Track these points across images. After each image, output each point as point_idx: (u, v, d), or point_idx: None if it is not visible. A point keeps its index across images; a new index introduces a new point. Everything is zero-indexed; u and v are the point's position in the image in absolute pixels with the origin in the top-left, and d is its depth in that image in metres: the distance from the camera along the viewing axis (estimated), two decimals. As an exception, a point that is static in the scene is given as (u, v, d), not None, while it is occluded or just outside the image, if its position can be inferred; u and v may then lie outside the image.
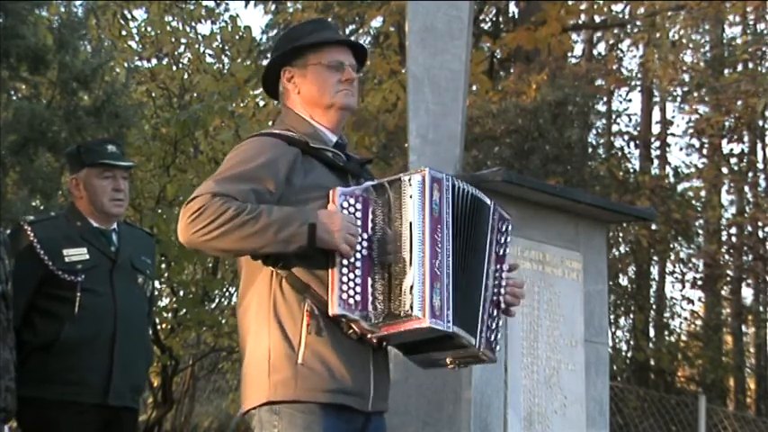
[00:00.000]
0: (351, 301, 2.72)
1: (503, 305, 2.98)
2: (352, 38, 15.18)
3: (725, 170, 14.48)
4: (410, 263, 2.72)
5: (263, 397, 2.77)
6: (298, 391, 2.74)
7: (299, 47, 2.99)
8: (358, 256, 2.75)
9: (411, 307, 2.70)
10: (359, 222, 2.77)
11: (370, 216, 2.81)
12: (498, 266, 2.98)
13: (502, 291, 2.97)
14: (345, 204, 2.78)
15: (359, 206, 2.80)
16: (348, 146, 3.09)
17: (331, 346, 2.76)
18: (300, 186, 2.82)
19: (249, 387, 2.83)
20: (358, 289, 2.74)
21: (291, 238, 2.69)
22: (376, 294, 2.75)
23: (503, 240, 3.00)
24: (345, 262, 2.74)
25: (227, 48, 10.25)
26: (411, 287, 2.71)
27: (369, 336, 2.78)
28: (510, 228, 3.04)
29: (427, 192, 2.77)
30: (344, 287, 2.72)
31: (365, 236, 2.77)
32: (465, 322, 2.83)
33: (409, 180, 2.79)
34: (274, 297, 2.80)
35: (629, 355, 14.44)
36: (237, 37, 10.07)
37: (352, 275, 2.74)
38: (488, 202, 2.97)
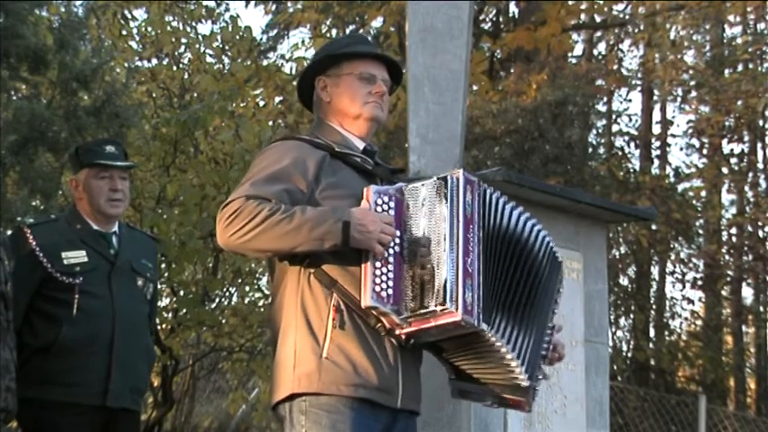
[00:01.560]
0: (384, 294, 2.75)
1: (548, 358, 3.05)
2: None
3: (725, 170, 14.49)
4: (442, 260, 2.75)
5: (288, 389, 2.81)
6: (321, 383, 2.77)
7: (335, 56, 3.06)
8: (391, 251, 2.78)
9: (444, 300, 2.72)
10: (392, 221, 2.80)
11: (403, 215, 2.84)
12: (552, 324, 3.04)
13: (551, 347, 3.04)
14: (379, 202, 2.82)
15: (392, 204, 2.83)
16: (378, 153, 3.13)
17: (356, 341, 2.79)
18: (327, 184, 2.86)
19: (277, 381, 2.86)
20: (391, 283, 2.76)
21: (325, 235, 2.73)
22: (407, 290, 2.77)
23: (558, 300, 3.07)
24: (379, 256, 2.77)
25: (227, 48, 10.24)
26: (444, 282, 2.73)
27: (397, 331, 2.79)
28: (562, 293, 3.12)
29: (461, 191, 2.80)
30: (378, 280, 2.75)
31: (398, 233, 2.80)
32: (519, 343, 2.87)
33: (444, 180, 2.82)
34: (302, 292, 2.84)
35: (630, 354, 14.43)
36: (238, 37, 10.07)
37: (385, 269, 2.77)
38: (560, 257, 3.06)
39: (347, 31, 14.95)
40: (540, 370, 2.99)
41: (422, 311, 2.75)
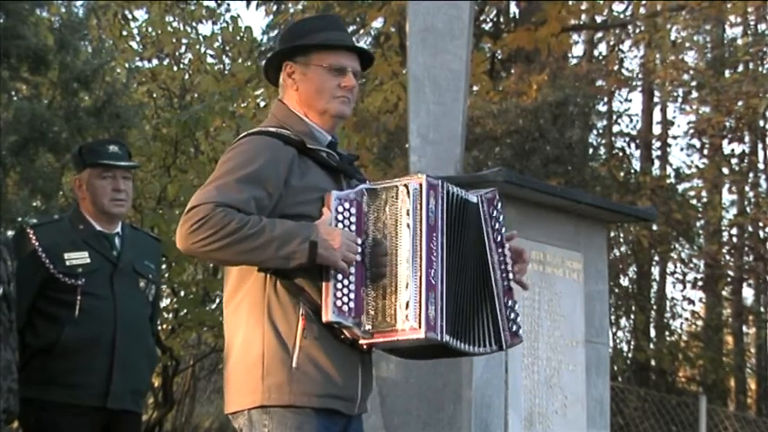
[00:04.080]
0: (345, 308, 2.72)
1: (513, 286, 2.99)
2: (353, 38, 15.18)
3: (726, 170, 14.48)
4: (405, 271, 2.72)
5: (257, 400, 2.75)
6: (292, 395, 2.73)
7: (305, 45, 2.95)
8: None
9: (407, 317, 2.69)
10: (353, 228, 2.77)
11: (364, 220, 2.80)
12: (500, 251, 2.98)
13: (510, 276, 2.98)
14: (340, 209, 2.77)
15: (353, 210, 2.79)
16: (339, 143, 3.08)
17: (324, 350, 2.76)
18: (297, 188, 2.80)
19: (239, 388, 2.80)
20: (352, 296, 2.73)
21: (292, 255, 2.68)
22: (369, 301, 2.75)
23: (497, 225, 2.99)
24: None
25: (228, 48, 10.26)
26: (407, 296, 2.70)
27: (360, 341, 2.78)
28: (500, 205, 3.03)
29: (424, 199, 2.76)
30: (339, 294, 2.72)
31: (359, 241, 2.76)
32: (468, 333, 2.84)
33: (406, 186, 2.78)
34: (269, 299, 2.78)
35: (630, 355, 14.44)
36: (238, 37, 10.09)
37: (346, 282, 2.73)
38: (474, 199, 2.96)
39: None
40: (508, 309, 2.96)
41: (385, 325, 2.72)
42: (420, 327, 2.68)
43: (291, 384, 2.73)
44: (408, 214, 2.75)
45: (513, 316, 2.96)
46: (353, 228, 2.77)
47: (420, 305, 2.69)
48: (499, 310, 2.92)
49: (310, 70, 2.94)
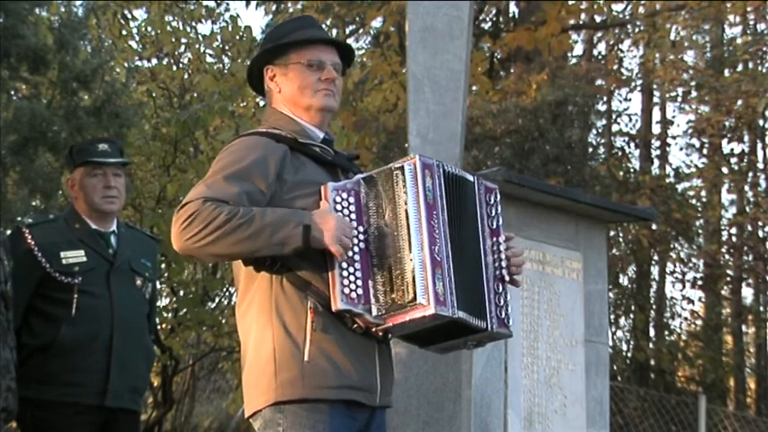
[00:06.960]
0: (353, 295, 2.73)
1: (507, 278, 2.97)
2: (352, 38, 15.18)
3: (725, 170, 14.48)
4: (409, 251, 2.72)
5: (271, 398, 2.75)
6: (305, 389, 2.72)
7: (281, 45, 2.98)
8: (356, 249, 2.75)
9: (415, 295, 2.70)
10: (353, 216, 2.78)
11: (364, 209, 2.81)
12: (494, 239, 2.97)
13: (503, 264, 2.96)
14: (338, 199, 2.78)
15: (351, 200, 2.80)
16: (336, 141, 3.08)
17: (336, 341, 2.75)
18: (292, 183, 2.81)
19: (254, 389, 2.80)
20: (359, 283, 2.74)
21: (286, 240, 2.68)
22: (377, 286, 2.75)
23: (493, 213, 2.99)
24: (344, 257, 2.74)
25: (227, 48, 10.26)
26: (413, 275, 2.71)
27: (374, 329, 2.78)
28: (499, 197, 3.02)
29: (420, 179, 2.78)
30: (345, 281, 2.72)
31: (361, 229, 2.78)
32: (471, 306, 2.82)
33: (401, 169, 2.79)
34: (276, 296, 2.78)
35: (630, 354, 14.44)
36: (238, 37, 10.08)
37: (351, 269, 2.74)
38: (471, 178, 2.97)
39: (347, 31, 14.96)
40: (497, 295, 2.94)
41: (395, 307, 2.73)
42: (429, 303, 2.69)
43: (304, 378, 2.72)
44: (407, 194, 2.76)
45: (501, 303, 2.94)
46: (353, 216, 2.78)
47: (427, 282, 2.69)
48: (486, 292, 2.91)
49: (290, 69, 2.96)
